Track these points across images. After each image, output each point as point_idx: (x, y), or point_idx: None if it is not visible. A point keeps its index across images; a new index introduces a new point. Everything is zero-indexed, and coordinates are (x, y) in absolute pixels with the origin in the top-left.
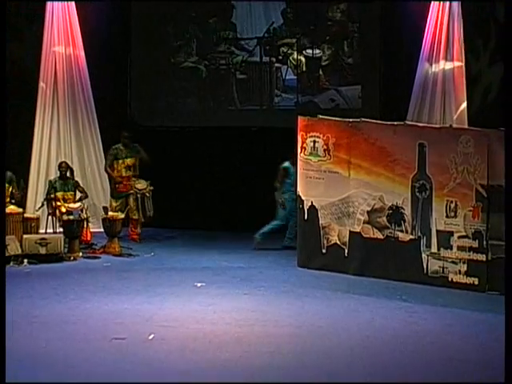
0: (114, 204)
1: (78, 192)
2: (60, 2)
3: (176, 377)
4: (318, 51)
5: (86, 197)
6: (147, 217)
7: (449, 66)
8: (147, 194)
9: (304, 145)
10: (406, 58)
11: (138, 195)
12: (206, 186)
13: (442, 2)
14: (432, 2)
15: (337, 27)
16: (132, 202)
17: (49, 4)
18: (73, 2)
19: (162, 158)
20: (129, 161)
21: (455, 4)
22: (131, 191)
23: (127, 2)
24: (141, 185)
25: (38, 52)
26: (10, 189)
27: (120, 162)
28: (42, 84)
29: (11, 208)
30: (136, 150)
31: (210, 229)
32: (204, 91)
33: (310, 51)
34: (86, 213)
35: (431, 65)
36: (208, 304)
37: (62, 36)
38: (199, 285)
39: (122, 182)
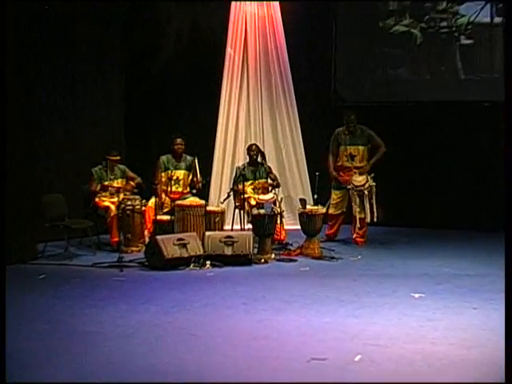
0: (335, 196)
1: (269, 180)
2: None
3: None
4: None
5: (278, 186)
6: (370, 219)
7: None
8: (365, 192)
9: None
10: None
11: (355, 192)
12: (424, 172)
13: None
14: None
15: None
16: (354, 197)
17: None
18: None
19: None
20: (352, 149)
21: None
22: (349, 186)
23: None
24: (360, 179)
25: (226, 13)
26: (191, 176)
27: (342, 148)
28: (229, 50)
29: (191, 200)
30: (364, 135)
31: (431, 226)
32: (418, 60)
33: None
34: (279, 206)
35: None
36: (427, 319)
37: None
38: (417, 295)
39: (341, 173)
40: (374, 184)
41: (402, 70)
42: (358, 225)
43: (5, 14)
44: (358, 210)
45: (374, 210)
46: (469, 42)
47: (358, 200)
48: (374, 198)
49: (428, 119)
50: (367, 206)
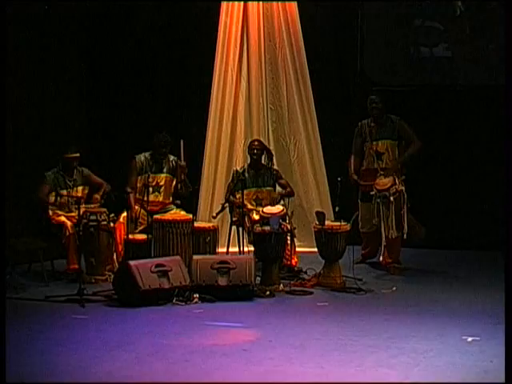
0: (363, 210)
1: (278, 188)
2: None
3: None
4: None
5: (291, 195)
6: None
7: None
8: (391, 198)
9: None
10: None
11: (379, 200)
12: (470, 177)
13: None
14: None
15: None
16: (379, 206)
17: None
18: None
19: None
20: (380, 144)
21: None
22: (372, 192)
23: None
24: (385, 181)
25: None
26: (174, 182)
27: (368, 145)
28: (224, 18)
29: (175, 213)
30: (393, 126)
31: (482, 247)
32: (460, 35)
33: None
34: (290, 222)
35: None
36: (483, 370)
37: None
38: (470, 339)
39: (367, 179)
40: (402, 188)
41: (439, 48)
42: (386, 246)
43: (5, 14)
44: (383, 224)
45: (404, 224)
46: None
47: (382, 210)
48: (404, 207)
49: (470, 107)
50: (392, 217)
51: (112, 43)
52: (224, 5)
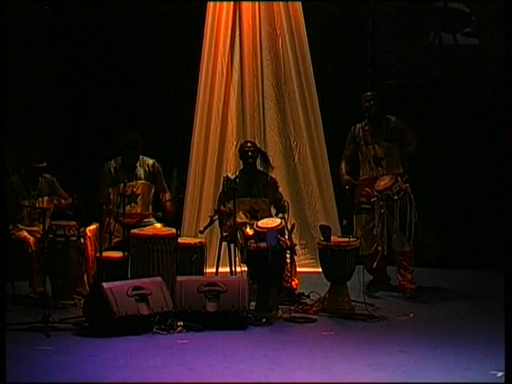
0: (363, 223)
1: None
2: None
3: None
4: None
5: (285, 210)
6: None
7: None
8: (394, 197)
9: None
10: None
11: (381, 203)
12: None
13: None
14: None
15: None
16: (377, 218)
17: None
18: None
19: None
20: (377, 148)
21: None
22: (373, 199)
23: None
24: (385, 182)
25: None
26: (153, 190)
27: (364, 151)
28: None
29: (155, 227)
30: (390, 127)
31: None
32: (489, 19)
33: None
34: (290, 237)
35: None
36: None
37: None
38: (500, 374)
39: (366, 189)
40: (407, 185)
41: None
42: (402, 266)
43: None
44: (392, 237)
45: (412, 229)
46: None
47: (387, 220)
48: (412, 210)
49: (500, 102)
50: (397, 223)
51: (89, 43)
52: None
